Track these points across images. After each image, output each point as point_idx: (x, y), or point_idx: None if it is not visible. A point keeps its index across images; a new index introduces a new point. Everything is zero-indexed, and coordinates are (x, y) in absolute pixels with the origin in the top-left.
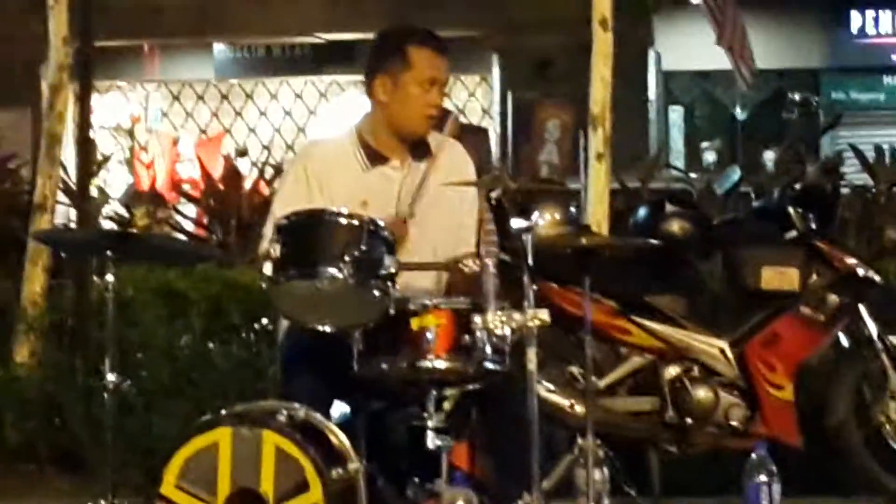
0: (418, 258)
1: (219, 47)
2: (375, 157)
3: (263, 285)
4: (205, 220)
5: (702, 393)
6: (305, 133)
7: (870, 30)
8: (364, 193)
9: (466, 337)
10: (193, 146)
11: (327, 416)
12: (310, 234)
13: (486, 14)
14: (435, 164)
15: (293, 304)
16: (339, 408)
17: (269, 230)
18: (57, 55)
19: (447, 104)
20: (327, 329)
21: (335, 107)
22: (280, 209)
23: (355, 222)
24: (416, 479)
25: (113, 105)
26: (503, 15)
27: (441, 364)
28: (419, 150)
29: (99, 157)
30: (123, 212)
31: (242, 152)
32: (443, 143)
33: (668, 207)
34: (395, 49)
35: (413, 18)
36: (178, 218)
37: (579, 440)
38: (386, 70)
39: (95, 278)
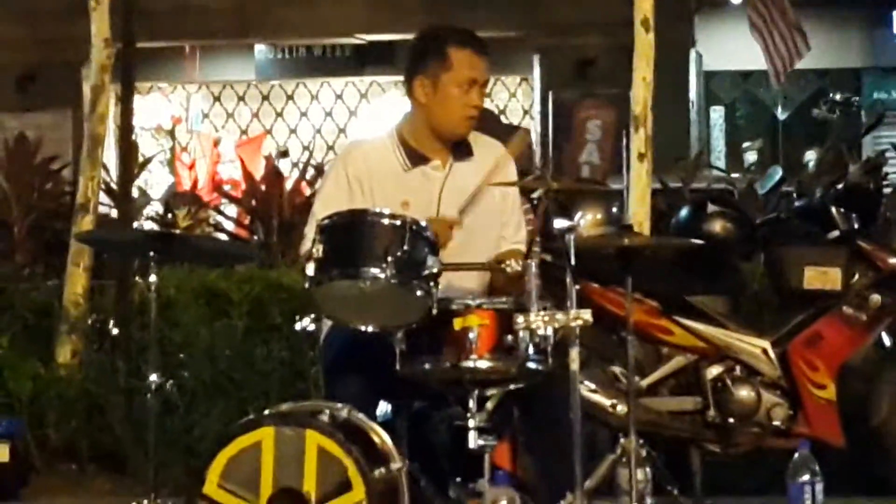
0: (461, 259)
1: (260, 48)
2: (416, 158)
3: (306, 286)
4: (246, 221)
5: (744, 392)
6: (346, 133)
7: None
8: (405, 194)
9: (509, 337)
10: (234, 147)
11: (370, 415)
12: (352, 234)
13: (527, 14)
14: (478, 166)
15: (336, 305)
16: (382, 408)
17: (310, 231)
18: (98, 57)
19: (488, 105)
20: (370, 329)
21: (376, 107)
22: (321, 210)
23: (398, 222)
24: (459, 479)
25: (154, 106)
26: (544, 15)
27: (483, 364)
28: (460, 150)
29: (140, 159)
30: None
31: (283, 153)
32: (484, 143)
33: (710, 207)
34: (435, 50)
35: (454, 19)
36: (220, 218)
37: (622, 440)
38: (426, 71)
39: (137, 279)
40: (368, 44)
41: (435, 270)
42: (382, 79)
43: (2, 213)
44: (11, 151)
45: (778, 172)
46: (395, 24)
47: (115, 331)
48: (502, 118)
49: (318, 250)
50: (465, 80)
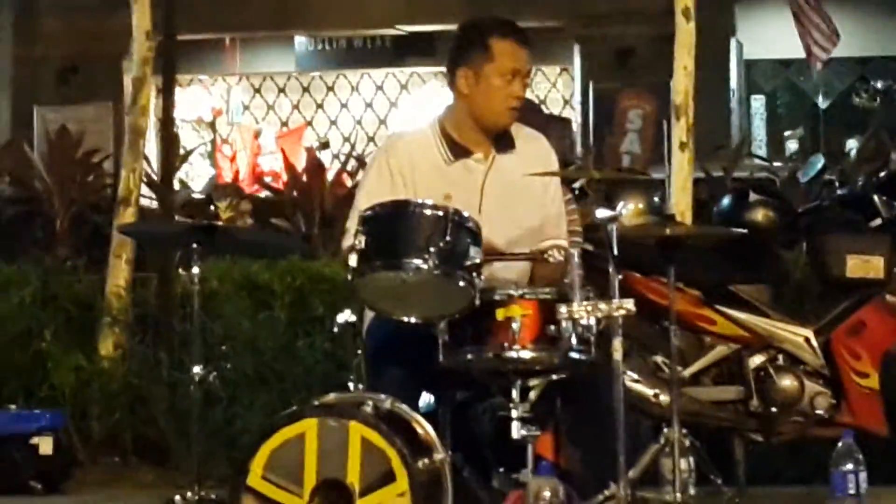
0: (504, 249)
1: (300, 40)
2: (458, 150)
3: (348, 277)
4: (288, 213)
5: (787, 382)
6: (387, 125)
7: None
8: (447, 186)
9: (552, 327)
10: (275, 138)
11: (413, 406)
12: (395, 225)
13: (566, 4)
14: (520, 158)
15: (378, 296)
16: (425, 398)
17: (353, 224)
18: (140, 49)
19: (528, 95)
20: (413, 320)
21: (416, 98)
22: (364, 202)
23: (440, 213)
24: (502, 469)
25: (195, 98)
26: (584, 5)
27: (526, 354)
28: (502, 142)
29: (181, 151)
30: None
31: (324, 144)
32: (527, 135)
33: (752, 196)
34: (477, 41)
35: (494, 10)
36: (261, 210)
37: (665, 429)
38: (468, 62)
39: (180, 271)
40: (409, 35)
41: (477, 261)
42: (423, 70)
43: (44, 206)
44: (53, 144)
45: (820, 161)
46: (435, 16)
47: (157, 323)
48: (543, 108)
49: (361, 241)
50: (508, 70)
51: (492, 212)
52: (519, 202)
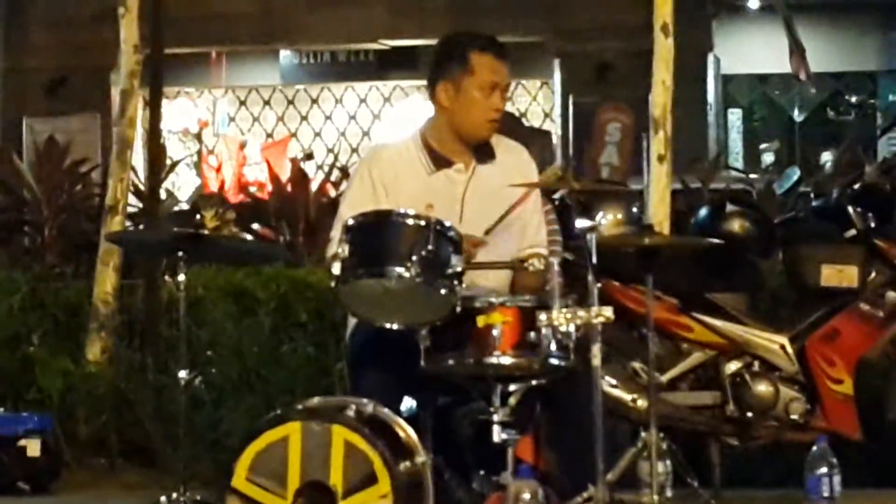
0: (483, 259)
1: (285, 54)
2: (440, 161)
3: (332, 284)
4: (272, 222)
5: (762, 387)
6: (370, 136)
7: None
8: (429, 196)
9: (532, 334)
10: (260, 150)
11: (395, 410)
12: (378, 234)
13: (547, 20)
14: (500, 168)
15: (361, 303)
16: (407, 403)
17: (337, 233)
18: (127, 62)
19: (510, 108)
20: (395, 326)
21: (399, 111)
22: (347, 212)
23: (422, 223)
24: (483, 472)
25: (181, 110)
26: (564, 21)
27: (507, 360)
28: (482, 152)
29: (168, 161)
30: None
31: (308, 155)
32: (507, 146)
33: (729, 207)
34: (456, 55)
35: (475, 25)
36: (246, 219)
37: (642, 433)
38: (448, 76)
39: (166, 278)
40: (391, 49)
41: (459, 269)
42: (405, 83)
43: (32, 214)
44: (41, 154)
45: (795, 173)
46: (417, 31)
47: (144, 328)
48: (524, 121)
49: (345, 250)
50: (487, 83)
51: (472, 221)
52: (498, 212)
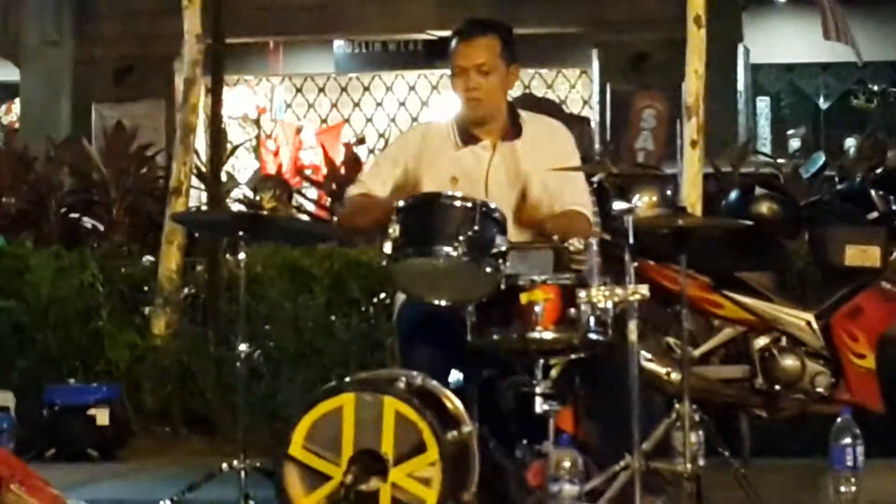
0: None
1: (338, 44)
2: (468, 137)
3: (384, 262)
4: (327, 203)
5: (789, 361)
6: (419, 122)
7: None
8: (454, 170)
9: (572, 310)
10: (315, 135)
11: (443, 383)
12: (427, 215)
13: (586, 12)
14: (526, 142)
15: (411, 280)
16: (454, 375)
17: (361, 176)
18: (190, 52)
19: (550, 96)
20: (443, 303)
21: (446, 98)
22: (370, 170)
23: (469, 204)
24: (525, 441)
25: (241, 97)
26: (602, 13)
27: (548, 335)
28: (510, 131)
29: (228, 146)
30: (252, 195)
31: (360, 140)
32: (536, 120)
33: (758, 190)
34: (449, 46)
35: (517, 16)
36: (302, 200)
37: (676, 405)
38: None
39: (227, 256)
40: (439, 39)
41: (503, 249)
42: None
43: (101, 195)
44: (109, 139)
45: (821, 158)
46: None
47: (205, 304)
48: (563, 108)
49: (395, 230)
50: (457, 68)
51: (496, 194)
52: (523, 186)
